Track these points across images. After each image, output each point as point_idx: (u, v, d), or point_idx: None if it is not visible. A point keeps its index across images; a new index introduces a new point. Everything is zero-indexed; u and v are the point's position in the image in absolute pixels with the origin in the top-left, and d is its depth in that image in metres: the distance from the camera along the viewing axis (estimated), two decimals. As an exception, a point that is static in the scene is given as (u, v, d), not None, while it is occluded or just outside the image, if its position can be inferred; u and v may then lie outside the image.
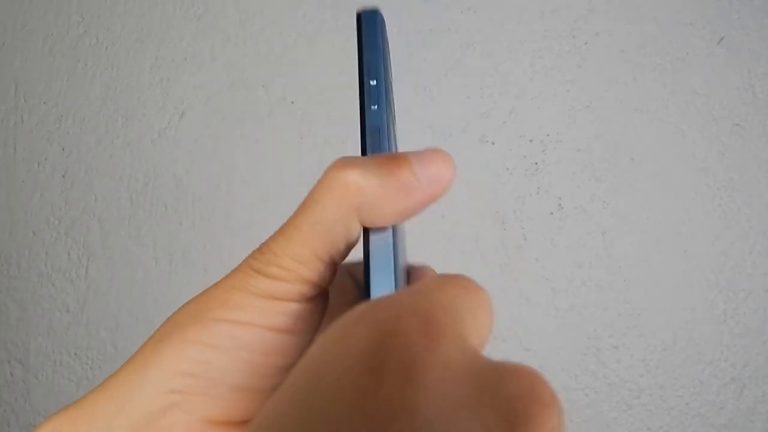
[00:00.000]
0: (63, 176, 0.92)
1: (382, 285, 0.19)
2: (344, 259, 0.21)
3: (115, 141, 0.92)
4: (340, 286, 0.23)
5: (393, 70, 0.26)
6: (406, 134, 0.81)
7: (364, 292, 0.18)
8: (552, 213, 0.79)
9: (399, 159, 0.20)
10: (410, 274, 0.23)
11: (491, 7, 0.84)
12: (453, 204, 0.80)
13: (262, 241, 0.21)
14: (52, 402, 0.87)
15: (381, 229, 0.20)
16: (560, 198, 0.79)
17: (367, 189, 0.19)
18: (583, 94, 0.81)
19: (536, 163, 0.80)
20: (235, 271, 0.20)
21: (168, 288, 0.87)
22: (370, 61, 0.21)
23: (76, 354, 0.88)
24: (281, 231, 0.20)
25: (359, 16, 0.22)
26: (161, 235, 0.88)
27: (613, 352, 0.76)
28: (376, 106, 0.21)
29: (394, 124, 0.24)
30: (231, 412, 0.20)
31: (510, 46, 0.83)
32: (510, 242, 0.79)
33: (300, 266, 0.20)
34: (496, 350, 0.78)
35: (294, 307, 0.20)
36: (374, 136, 0.20)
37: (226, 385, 0.20)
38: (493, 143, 0.81)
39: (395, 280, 0.19)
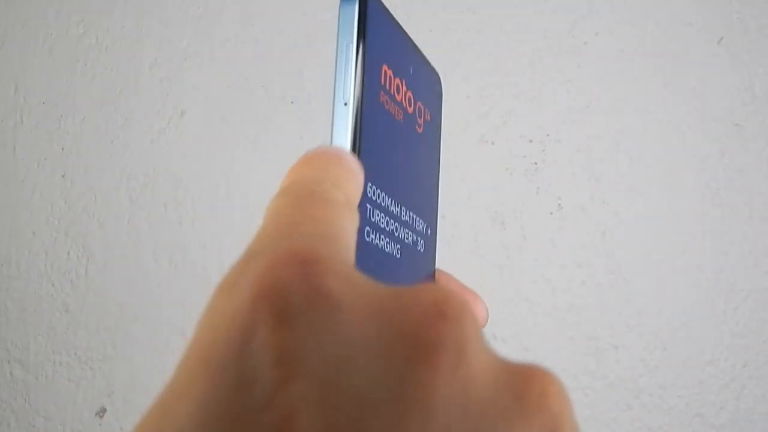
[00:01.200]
0: (63, 176, 0.92)
1: None
2: None
3: (115, 141, 0.92)
4: None
5: None
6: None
7: None
8: (552, 213, 0.79)
9: None
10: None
11: (491, 7, 0.84)
12: (452, 204, 0.80)
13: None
14: (52, 402, 0.87)
15: None
16: (560, 198, 0.79)
17: None
18: (583, 94, 0.81)
19: (536, 163, 0.80)
20: None
21: (168, 288, 0.87)
22: None
23: (76, 354, 0.88)
24: None
25: None
26: (161, 235, 0.88)
27: (613, 352, 0.76)
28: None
29: None
30: None
31: (510, 46, 0.83)
32: (510, 242, 0.79)
33: None
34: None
35: None
36: None
37: None
38: (493, 143, 0.81)
39: None
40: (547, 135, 0.81)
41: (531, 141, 0.81)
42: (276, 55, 0.89)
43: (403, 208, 0.23)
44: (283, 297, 0.12)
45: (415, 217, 0.24)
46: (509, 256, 0.79)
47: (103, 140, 0.92)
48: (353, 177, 0.19)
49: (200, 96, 0.90)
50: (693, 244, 0.76)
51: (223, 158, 0.88)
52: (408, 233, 0.23)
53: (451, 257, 0.78)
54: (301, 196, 0.17)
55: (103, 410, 0.86)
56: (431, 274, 0.25)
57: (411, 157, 0.23)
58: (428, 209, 0.26)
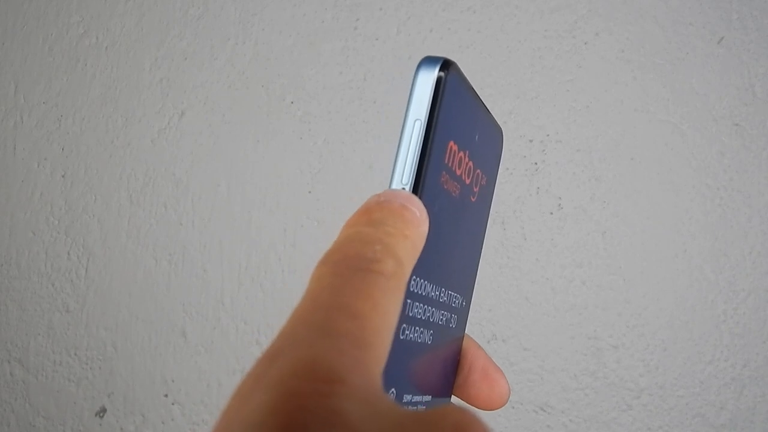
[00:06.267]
0: (63, 176, 0.92)
1: None
2: None
3: (115, 141, 0.92)
4: None
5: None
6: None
7: None
8: (552, 213, 0.79)
9: None
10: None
11: (491, 7, 0.84)
12: (453, 204, 0.80)
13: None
14: (52, 402, 0.87)
15: None
16: (560, 198, 0.79)
17: None
18: (583, 94, 0.81)
19: (536, 163, 0.80)
20: None
21: (168, 288, 0.87)
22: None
23: (75, 354, 0.88)
24: None
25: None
26: (161, 235, 0.88)
27: (613, 352, 0.76)
28: None
29: None
30: None
31: (510, 46, 0.83)
32: (510, 242, 0.79)
33: None
34: (496, 350, 0.78)
35: None
36: None
37: None
38: (493, 143, 0.81)
39: None
40: (548, 135, 0.81)
41: (531, 141, 0.81)
42: (276, 55, 0.89)
43: (443, 290, 0.21)
44: (296, 418, 0.12)
45: (452, 294, 0.22)
46: (509, 256, 0.79)
47: (103, 140, 0.92)
48: (415, 231, 0.18)
49: (200, 96, 0.90)
50: (693, 244, 0.76)
51: (223, 158, 0.88)
52: (443, 314, 0.22)
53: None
54: (342, 273, 0.16)
55: (103, 410, 0.86)
56: (459, 341, 0.24)
57: (459, 233, 0.22)
58: (468, 280, 0.24)
